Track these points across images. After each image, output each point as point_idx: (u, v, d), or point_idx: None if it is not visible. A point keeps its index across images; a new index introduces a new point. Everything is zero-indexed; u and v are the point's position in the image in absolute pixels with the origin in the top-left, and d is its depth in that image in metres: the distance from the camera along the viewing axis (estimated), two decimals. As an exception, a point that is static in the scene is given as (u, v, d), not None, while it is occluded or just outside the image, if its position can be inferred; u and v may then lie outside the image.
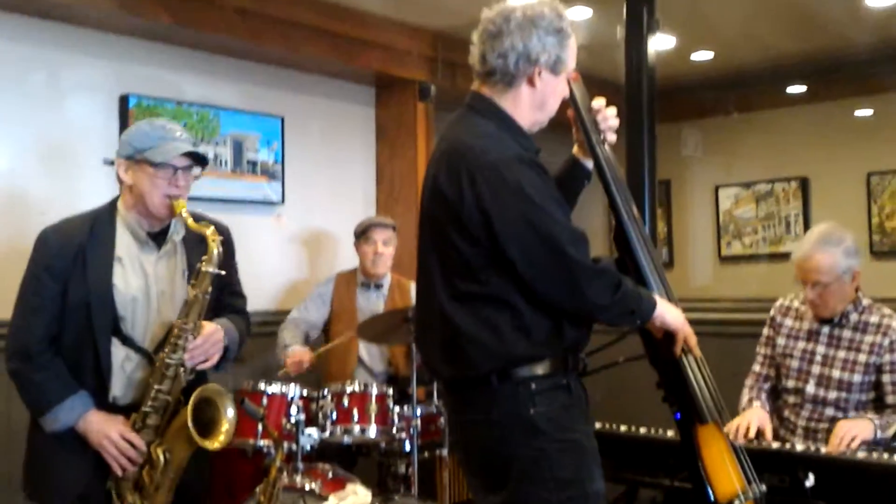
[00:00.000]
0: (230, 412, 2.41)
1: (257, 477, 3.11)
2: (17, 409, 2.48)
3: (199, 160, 2.47)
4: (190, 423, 2.30)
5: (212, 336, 2.42)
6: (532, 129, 2.16)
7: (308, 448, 3.35)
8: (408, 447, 3.42)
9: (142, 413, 2.37)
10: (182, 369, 2.37)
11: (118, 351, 2.37)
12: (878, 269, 5.89)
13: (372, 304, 4.07)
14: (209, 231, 2.40)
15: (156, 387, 2.36)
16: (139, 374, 2.40)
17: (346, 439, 3.43)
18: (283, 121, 4.59)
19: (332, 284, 4.15)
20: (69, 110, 3.84)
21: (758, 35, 5.17)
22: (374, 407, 3.41)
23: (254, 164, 4.48)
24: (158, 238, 2.46)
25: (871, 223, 6.02)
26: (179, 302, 2.42)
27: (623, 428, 3.03)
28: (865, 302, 2.92)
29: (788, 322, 3.05)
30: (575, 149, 2.32)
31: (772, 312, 3.12)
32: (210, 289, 2.40)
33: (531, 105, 2.12)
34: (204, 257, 2.40)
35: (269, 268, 4.59)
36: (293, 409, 3.36)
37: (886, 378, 2.84)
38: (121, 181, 2.44)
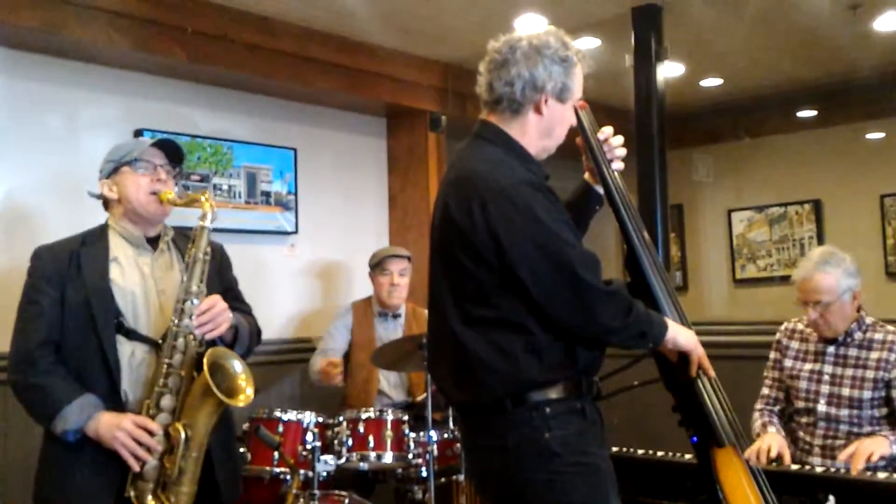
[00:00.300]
0: (238, 366, 2.34)
1: (274, 505, 3.12)
2: (11, 441, 2.43)
3: (174, 155, 2.49)
4: (211, 382, 2.21)
5: (217, 302, 2.36)
6: (540, 156, 2.18)
7: (324, 475, 3.35)
8: (424, 473, 3.42)
9: (155, 395, 2.29)
10: (191, 337, 2.31)
11: (124, 347, 2.32)
12: (893, 290, 5.86)
13: (390, 333, 4.08)
14: (203, 195, 2.42)
15: (166, 361, 2.29)
16: (147, 370, 2.33)
17: (363, 466, 3.43)
18: (295, 152, 4.65)
19: (351, 314, 4.17)
20: (85, 146, 3.89)
21: (766, 61, 5.20)
22: (389, 433, 3.41)
23: (267, 195, 4.52)
24: (152, 244, 2.46)
25: (886, 244, 6.01)
26: None
27: (640, 451, 3.02)
28: (869, 320, 2.95)
29: (794, 344, 3.07)
30: (586, 175, 2.33)
31: (777, 336, 3.14)
32: (209, 250, 2.38)
33: (538, 132, 2.14)
34: (199, 216, 2.39)
35: (283, 297, 4.63)
36: (309, 436, 3.36)
37: None
38: (107, 202, 2.47)
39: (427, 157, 5.03)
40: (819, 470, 2.71)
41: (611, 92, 4.28)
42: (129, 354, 2.33)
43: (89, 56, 3.88)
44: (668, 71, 4.28)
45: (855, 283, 2.89)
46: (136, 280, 2.39)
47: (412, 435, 3.45)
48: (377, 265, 4.13)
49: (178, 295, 2.33)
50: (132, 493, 2.25)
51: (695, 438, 2.25)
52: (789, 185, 6.40)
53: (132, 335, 2.34)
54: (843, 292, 2.86)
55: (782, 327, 3.15)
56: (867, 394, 2.86)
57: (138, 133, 4.04)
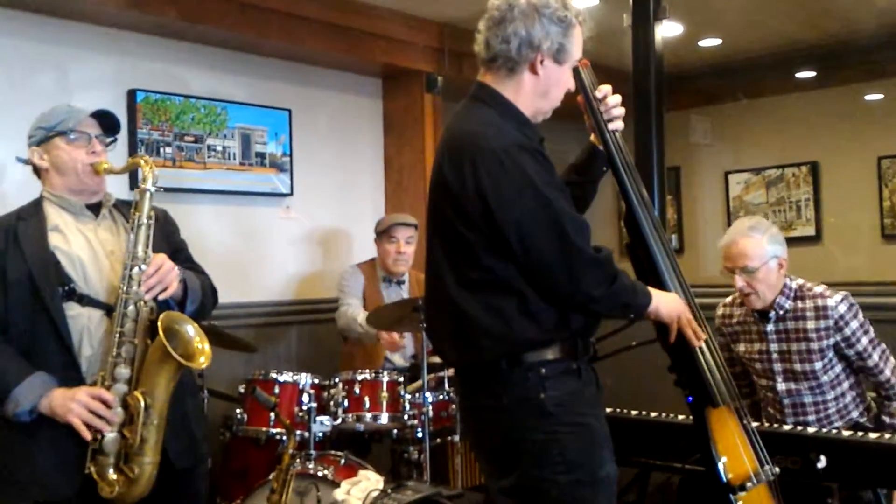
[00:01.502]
0: (191, 330, 2.27)
1: (271, 464, 3.14)
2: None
3: (111, 126, 2.42)
4: (167, 345, 2.14)
5: (163, 262, 2.27)
6: (535, 118, 2.16)
7: (320, 436, 3.38)
8: (420, 434, 3.44)
9: (109, 365, 2.21)
10: (142, 304, 2.23)
11: (79, 314, 2.25)
12: (889, 252, 5.87)
13: (394, 299, 4.07)
14: (143, 159, 2.35)
15: (118, 330, 2.21)
16: (107, 335, 2.25)
17: (359, 427, 3.46)
18: (290, 113, 4.61)
19: (361, 275, 4.15)
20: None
21: (765, 21, 5.15)
22: (385, 394, 3.44)
23: (262, 156, 4.50)
24: (93, 210, 2.38)
25: (882, 206, 6.00)
26: None
27: (634, 412, 3.04)
28: (794, 285, 2.93)
29: (737, 328, 3.07)
30: (592, 136, 2.32)
31: (716, 322, 3.13)
32: (153, 214, 2.31)
33: (534, 93, 2.13)
34: (140, 179, 2.32)
35: (278, 259, 4.62)
36: (305, 398, 3.39)
37: (851, 352, 2.87)
38: (38, 171, 2.40)
39: (423, 118, 4.99)
40: (811, 430, 2.73)
41: (608, 52, 4.22)
42: (86, 320, 2.26)
43: (81, 15, 3.83)
44: (667, 31, 4.23)
45: (781, 251, 2.89)
46: (81, 244, 2.31)
47: (408, 396, 3.47)
48: (384, 232, 4.11)
49: (125, 261, 2.26)
50: (92, 469, 2.19)
51: (690, 398, 2.27)
52: (787, 146, 6.38)
53: (85, 300, 2.26)
54: (769, 258, 2.85)
55: (717, 312, 3.13)
56: (818, 364, 2.88)
57: (132, 94, 4.01)
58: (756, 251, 2.84)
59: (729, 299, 3.13)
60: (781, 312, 2.92)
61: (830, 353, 2.88)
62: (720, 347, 3.07)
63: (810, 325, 2.87)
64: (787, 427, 2.80)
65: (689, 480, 2.81)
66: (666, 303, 2.13)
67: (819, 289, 2.91)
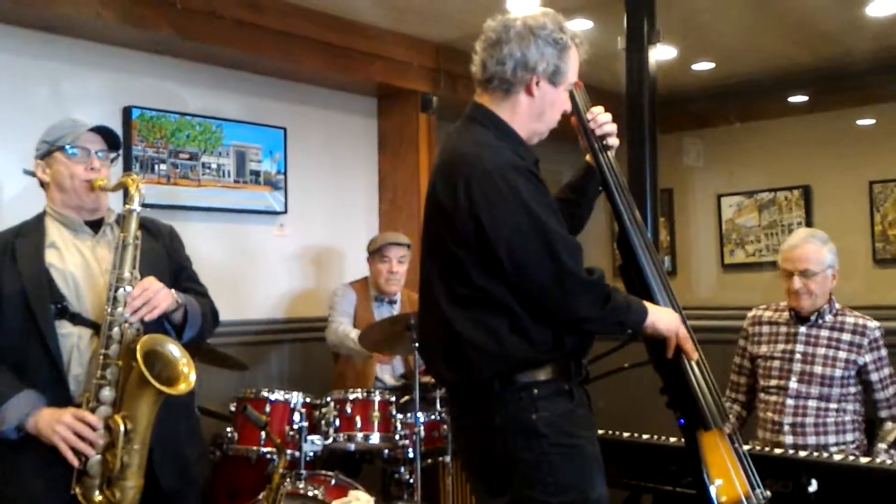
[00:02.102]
0: (177, 352, 2.23)
1: (261, 484, 3.12)
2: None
3: (111, 142, 2.41)
4: (144, 370, 2.12)
5: (150, 284, 2.23)
6: (531, 139, 2.17)
7: (311, 455, 3.36)
8: (411, 454, 3.43)
9: (94, 387, 2.19)
10: (126, 325, 2.21)
11: (70, 332, 2.23)
12: (880, 276, 5.90)
13: (386, 317, 4.07)
14: (130, 178, 2.32)
15: (102, 352, 2.19)
16: (94, 353, 2.23)
17: (350, 446, 3.45)
18: (285, 132, 4.62)
19: (354, 293, 4.15)
20: (73, 122, 3.86)
21: (759, 45, 5.19)
22: (376, 414, 3.42)
23: (256, 174, 4.50)
24: (94, 227, 2.37)
25: (874, 231, 6.03)
26: None
27: (626, 434, 3.03)
28: (838, 305, 3.11)
29: (765, 329, 3.19)
30: (588, 156, 2.33)
31: (744, 324, 3.27)
32: (139, 234, 2.29)
33: (529, 114, 2.13)
34: (126, 200, 2.30)
35: (271, 276, 4.62)
36: (296, 417, 3.37)
37: (874, 377, 3.01)
38: (42, 184, 2.39)
39: (417, 138, 5.00)
40: (803, 454, 2.73)
41: (602, 75, 4.25)
42: (77, 338, 2.24)
43: (77, 31, 3.84)
44: (661, 54, 4.27)
45: (836, 263, 3.06)
46: (76, 262, 2.30)
47: (399, 416, 3.46)
48: (376, 251, 4.11)
49: (110, 282, 2.23)
50: (78, 491, 2.17)
51: (682, 420, 2.26)
52: (779, 170, 6.41)
53: (77, 319, 2.25)
54: (827, 266, 3.03)
55: (749, 314, 3.27)
56: (838, 372, 2.99)
57: (127, 111, 4.01)
58: (818, 257, 3.02)
59: (763, 306, 3.26)
60: (820, 321, 3.05)
61: (853, 371, 3.00)
62: (739, 353, 3.23)
63: (846, 336, 3.01)
64: (778, 451, 2.80)
65: (680, 503, 2.80)
66: (663, 317, 2.13)
67: (859, 313, 3.09)
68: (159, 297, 2.25)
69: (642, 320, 2.09)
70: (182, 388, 2.21)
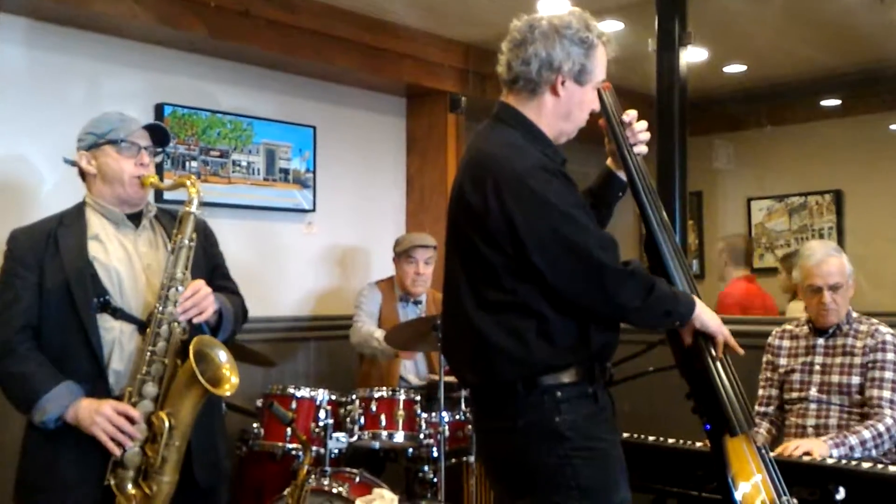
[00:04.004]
0: (223, 356, 2.27)
1: (286, 480, 3.15)
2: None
3: (160, 139, 2.44)
4: (196, 370, 2.15)
5: (201, 287, 2.28)
6: (559, 139, 2.16)
7: (336, 452, 3.38)
8: (435, 453, 3.43)
9: (138, 382, 2.21)
10: (175, 324, 2.24)
11: (112, 326, 2.25)
12: (913, 283, 5.81)
13: (412, 318, 4.09)
14: (188, 180, 2.36)
15: (150, 349, 2.22)
16: (137, 350, 2.26)
17: (374, 444, 3.46)
18: (315, 130, 4.64)
19: (380, 293, 4.17)
20: (107, 119, 3.91)
21: (791, 48, 5.14)
22: (401, 413, 3.44)
23: (286, 172, 4.53)
24: (133, 220, 2.39)
25: (906, 237, 5.94)
26: None
27: (651, 438, 3.02)
28: (853, 314, 3.12)
29: (786, 343, 3.21)
30: (609, 160, 2.32)
31: (769, 339, 3.28)
32: (195, 235, 2.32)
33: (555, 114, 2.13)
34: (185, 201, 2.33)
35: (299, 274, 4.64)
36: (322, 414, 3.39)
37: (869, 374, 2.99)
38: (84, 175, 2.40)
39: (446, 138, 5.01)
40: (830, 461, 2.70)
41: (632, 76, 4.24)
42: (118, 333, 2.26)
43: (112, 29, 3.89)
44: (691, 56, 4.24)
45: (853, 273, 3.09)
46: (120, 256, 2.31)
47: (424, 415, 3.47)
48: (403, 253, 4.12)
49: (163, 281, 2.27)
50: (112, 481, 2.20)
51: (708, 426, 2.25)
52: (810, 174, 6.34)
53: (119, 314, 2.27)
54: (848, 277, 3.06)
55: (774, 331, 3.28)
56: (856, 379, 2.99)
57: (159, 108, 4.06)
58: (843, 269, 3.05)
59: (785, 324, 3.28)
60: (837, 331, 3.07)
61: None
62: (765, 367, 3.23)
63: (859, 343, 3.03)
64: (806, 458, 2.77)
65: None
66: (710, 312, 2.12)
67: (875, 319, 3.11)
68: (207, 301, 2.29)
69: (690, 312, 2.07)
70: (226, 388, 2.24)
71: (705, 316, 2.10)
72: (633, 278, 2.01)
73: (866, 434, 2.85)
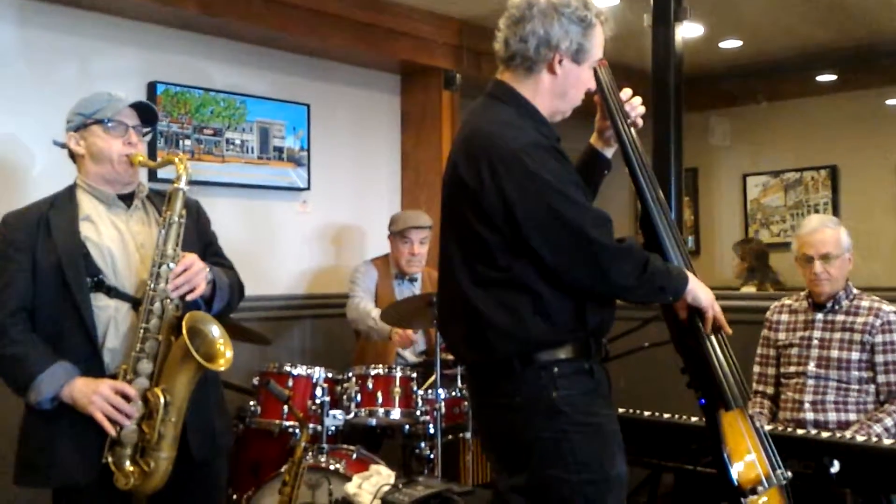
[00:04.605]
0: (216, 331, 2.28)
1: (283, 457, 3.16)
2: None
3: (148, 117, 2.43)
4: (190, 346, 2.16)
5: (193, 262, 2.29)
6: (554, 117, 2.16)
7: (333, 429, 3.39)
8: (432, 430, 3.45)
9: (132, 359, 2.22)
10: (168, 301, 2.24)
11: (106, 305, 2.26)
12: (906, 258, 5.82)
13: (408, 295, 4.09)
14: (177, 156, 2.36)
15: (143, 326, 2.22)
16: (132, 329, 2.26)
17: (371, 421, 3.48)
18: (308, 108, 4.62)
19: (375, 270, 4.17)
20: (99, 97, 3.89)
21: (787, 23, 5.12)
22: (398, 390, 3.45)
23: (280, 150, 4.52)
24: (125, 200, 2.39)
25: (902, 212, 5.96)
26: None
27: (646, 413, 3.03)
28: (855, 290, 3.14)
29: (784, 318, 3.23)
30: (593, 138, 2.30)
31: (767, 314, 3.30)
32: (185, 212, 2.32)
33: (551, 93, 2.12)
34: (174, 178, 2.33)
35: (294, 252, 4.64)
36: (318, 391, 3.41)
37: (879, 358, 3.01)
38: (74, 156, 2.40)
39: (441, 115, 4.99)
40: (825, 435, 2.72)
41: (628, 52, 4.20)
42: (113, 311, 2.27)
43: (104, 7, 3.86)
44: (687, 31, 4.21)
45: (851, 248, 3.11)
46: (112, 235, 2.32)
47: (420, 392, 3.48)
48: (398, 233, 4.12)
49: (154, 258, 2.27)
50: (110, 459, 2.21)
51: (703, 400, 2.26)
52: (806, 150, 6.34)
53: (113, 293, 2.27)
54: (844, 250, 3.07)
55: (773, 305, 3.30)
56: (855, 355, 3.02)
57: (152, 86, 4.03)
58: (837, 240, 3.07)
59: (784, 299, 3.31)
60: (836, 307, 3.08)
61: (868, 353, 3.01)
62: (763, 342, 3.26)
63: (860, 319, 3.04)
64: (800, 431, 2.79)
65: (700, 482, 2.80)
66: (703, 288, 2.12)
67: (876, 297, 3.12)
68: (199, 277, 2.29)
69: (684, 287, 2.08)
70: (221, 363, 2.25)
71: (698, 290, 2.10)
72: (627, 255, 2.01)
73: (889, 421, 2.89)
